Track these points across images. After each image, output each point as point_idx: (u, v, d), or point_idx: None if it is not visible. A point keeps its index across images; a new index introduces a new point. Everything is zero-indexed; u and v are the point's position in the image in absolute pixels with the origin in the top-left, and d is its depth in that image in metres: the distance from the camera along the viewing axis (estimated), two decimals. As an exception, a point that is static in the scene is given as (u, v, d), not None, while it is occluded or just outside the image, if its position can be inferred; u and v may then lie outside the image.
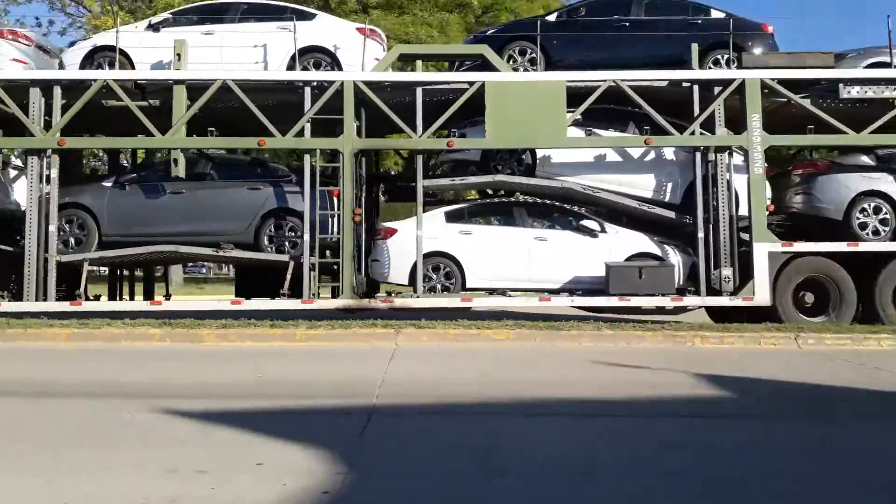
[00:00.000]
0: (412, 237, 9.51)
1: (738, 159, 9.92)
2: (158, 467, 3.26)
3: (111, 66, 9.81)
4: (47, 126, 9.59)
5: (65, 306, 9.31)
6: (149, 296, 12.38)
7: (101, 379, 6.06)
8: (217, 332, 8.18)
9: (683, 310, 10.28)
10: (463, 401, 4.97)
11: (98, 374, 6.32)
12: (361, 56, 9.60)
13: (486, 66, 9.76)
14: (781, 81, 9.64)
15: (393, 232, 9.77)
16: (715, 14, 10.53)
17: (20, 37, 10.33)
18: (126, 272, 12.53)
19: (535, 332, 8.33)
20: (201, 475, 3.12)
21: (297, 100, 9.58)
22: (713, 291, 9.44)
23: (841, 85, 9.78)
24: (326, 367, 6.67)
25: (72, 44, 11.06)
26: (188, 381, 5.98)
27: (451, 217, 10.00)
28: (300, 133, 9.51)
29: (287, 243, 9.61)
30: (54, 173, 9.43)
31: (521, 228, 9.88)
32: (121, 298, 12.21)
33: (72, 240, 9.65)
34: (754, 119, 9.47)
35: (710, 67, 10.02)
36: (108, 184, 10.03)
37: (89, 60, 9.97)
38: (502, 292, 9.57)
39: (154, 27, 10.19)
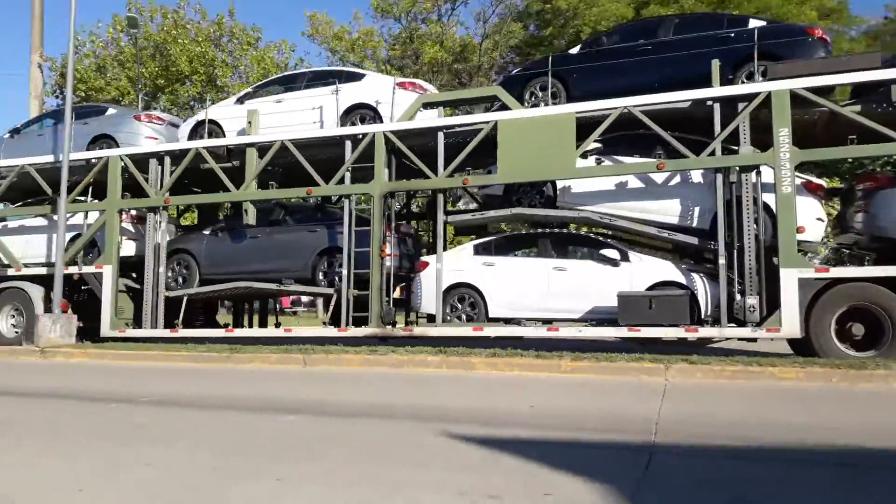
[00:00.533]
0: (435, 271, 10.29)
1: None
2: (451, 490, 3.45)
3: (209, 135, 12.08)
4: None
5: (167, 332, 11.56)
6: (262, 324, 14.58)
7: (388, 402, 6.57)
8: (487, 360, 8.51)
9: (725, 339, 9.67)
10: (747, 445, 4.57)
11: (385, 398, 6.93)
12: (391, 108, 10.70)
13: (504, 106, 10.27)
14: (816, 90, 8.76)
15: (425, 265, 10.59)
16: (753, 23, 9.84)
17: (154, 119, 13.11)
18: (246, 304, 14.83)
19: (830, 372, 7.41)
20: (493, 500, 3.29)
21: (341, 152, 10.94)
22: (738, 321, 8.82)
23: (894, 87, 8.61)
24: (596, 400, 6.66)
25: (185, 119, 13.64)
26: (465, 407, 6.27)
27: (479, 250, 10.55)
28: (341, 180, 10.83)
29: (336, 278, 10.91)
30: (163, 225, 11.84)
31: (541, 259, 10.11)
32: (244, 326, 14.49)
33: (180, 278, 11.96)
34: (782, 134, 8.72)
35: (742, 81, 9.42)
36: (206, 232, 12.27)
37: (194, 132, 12.35)
38: (518, 322, 9.88)
39: (240, 100, 12.32)
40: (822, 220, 9.34)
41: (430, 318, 10.50)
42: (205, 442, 4.82)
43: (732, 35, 9.65)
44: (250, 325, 14.51)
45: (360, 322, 10.41)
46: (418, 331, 10.16)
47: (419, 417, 5.50)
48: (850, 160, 11.33)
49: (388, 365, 8.85)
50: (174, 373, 9.30)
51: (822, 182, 10.03)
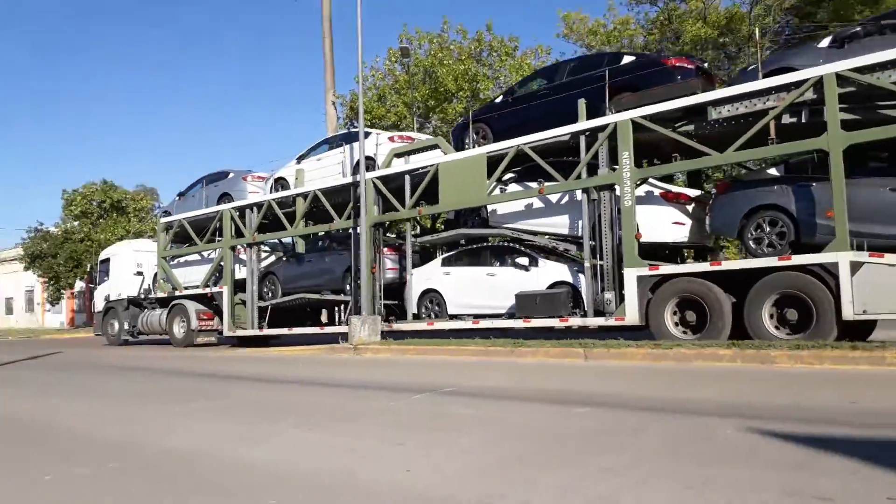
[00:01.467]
0: (415, 280, 13.69)
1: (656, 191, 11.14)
2: (774, 489, 3.17)
3: (279, 189, 16.76)
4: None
5: (259, 332, 16.48)
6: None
7: (678, 397, 6.27)
8: (789, 353, 7.99)
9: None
10: None
11: (675, 392, 6.59)
12: (374, 158, 14.37)
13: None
14: (651, 117, 10.48)
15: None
16: (626, 59, 11.61)
17: (255, 178, 18.20)
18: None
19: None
20: (826, 503, 2.99)
21: (349, 195, 14.89)
22: (600, 312, 10.92)
23: (710, 108, 10.02)
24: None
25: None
26: (769, 403, 5.75)
27: (445, 262, 13.74)
28: (349, 216, 14.73)
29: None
30: (254, 255, 16.78)
31: (479, 267, 12.96)
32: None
33: (270, 293, 16.79)
34: (625, 157, 10.65)
35: (611, 111, 11.30)
36: (283, 258, 17.05)
37: (273, 186, 17.11)
38: (460, 318, 12.89)
39: (298, 160, 16.73)
40: (682, 224, 10.91)
41: (416, 316, 13.90)
42: (510, 430, 4.94)
43: (607, 71, 11.53)
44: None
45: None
46: (395, 326, 13.70)
47: (717, 413, 5.18)
48: (681, 173, 12.43)
49: (674, 359, 8.69)
50: (467, 366, 9.67)
51: (685, 191, 11.41)
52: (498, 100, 13.68)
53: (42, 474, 4.11)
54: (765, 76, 9.76)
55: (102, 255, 23.17)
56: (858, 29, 9.56)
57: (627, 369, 8.46)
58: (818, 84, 9.04)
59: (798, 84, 9.24)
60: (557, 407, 5.87)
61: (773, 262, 9.17)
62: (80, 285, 42.42)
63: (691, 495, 3.18)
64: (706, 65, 13.19)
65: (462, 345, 11.31)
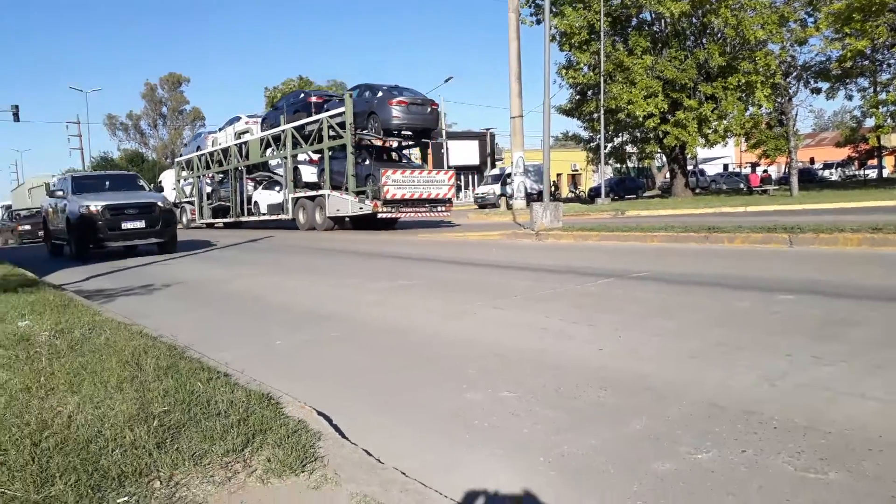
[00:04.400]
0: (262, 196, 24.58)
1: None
2: None
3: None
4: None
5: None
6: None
7: (893, 285, 5.78)
8: None
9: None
10: None
11: (891, 280, 6.08)
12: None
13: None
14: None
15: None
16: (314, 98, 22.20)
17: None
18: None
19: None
20: None
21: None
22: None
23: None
24: None
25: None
26: None
27: (256, 185, 25.74)
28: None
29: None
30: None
31: (266, 190, 24.22)
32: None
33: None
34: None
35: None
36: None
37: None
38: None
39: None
40: (313, 172, 21.93)
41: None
42: (708, 316, 4.75)
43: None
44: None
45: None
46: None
47: None
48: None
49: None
50: (655, 252, 9.33)
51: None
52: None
53: (275, 340, 4.80)
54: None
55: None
56: None
57: (839, 256, 7.70)
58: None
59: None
60: (759, 293, 5.48)
61: None
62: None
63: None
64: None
65: (649, 231, 10.80)
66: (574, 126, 58.05)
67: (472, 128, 60.45)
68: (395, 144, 20.52)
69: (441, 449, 2.63)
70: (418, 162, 21.64)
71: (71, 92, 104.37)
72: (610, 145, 34.01)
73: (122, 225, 13.23)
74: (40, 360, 3.84)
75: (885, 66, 30.31)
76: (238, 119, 26.62)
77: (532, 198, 26.38)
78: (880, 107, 27.56)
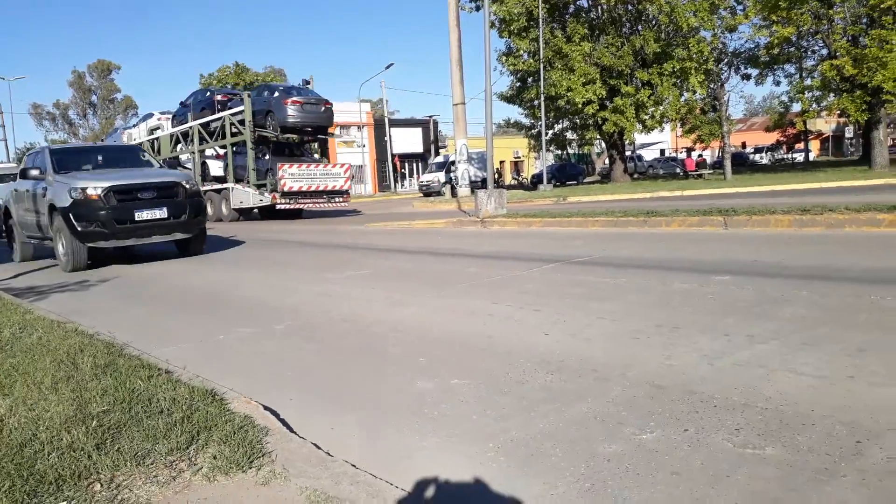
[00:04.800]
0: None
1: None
2: None
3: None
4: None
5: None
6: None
7: (822, 264, 5.82)
8: None
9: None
10: None
11: (820, 260, 6.10)
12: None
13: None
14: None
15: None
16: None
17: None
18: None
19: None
20: None
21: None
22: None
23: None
24: None
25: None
26: None
27: None
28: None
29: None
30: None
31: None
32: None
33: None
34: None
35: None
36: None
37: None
38: None
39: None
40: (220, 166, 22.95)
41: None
42: (648, 298, 4.84)
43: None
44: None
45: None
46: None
47: (868, 280, 4.92)
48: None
49: (824, 225, 8.10)
50: (597, 237, 9.43)
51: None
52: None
53: (218, 333, 4.69)
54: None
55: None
56: None
57: (772, 237, 7.93)
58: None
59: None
60: (697, 275, 5.66)
61: None
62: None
63: (843, 362, 3.06)
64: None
65: (590, 216, 11.05)
66: (515, 113, 58.69)
67: (416, 115, 60.45)
68: (295, 140, 21.64)
69: (392, 439, 2.62)
70: (318, 157, 23.46)
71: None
72: (551, 132, 34.47)
73: (136, 215, 9.44)
74: (-34, 364, 3.66)
75: (809, 52, 31.63)
76: (151, 115, 28.19)
77: (476, 185, 26.58)
78: (806, 92, 28.69)
